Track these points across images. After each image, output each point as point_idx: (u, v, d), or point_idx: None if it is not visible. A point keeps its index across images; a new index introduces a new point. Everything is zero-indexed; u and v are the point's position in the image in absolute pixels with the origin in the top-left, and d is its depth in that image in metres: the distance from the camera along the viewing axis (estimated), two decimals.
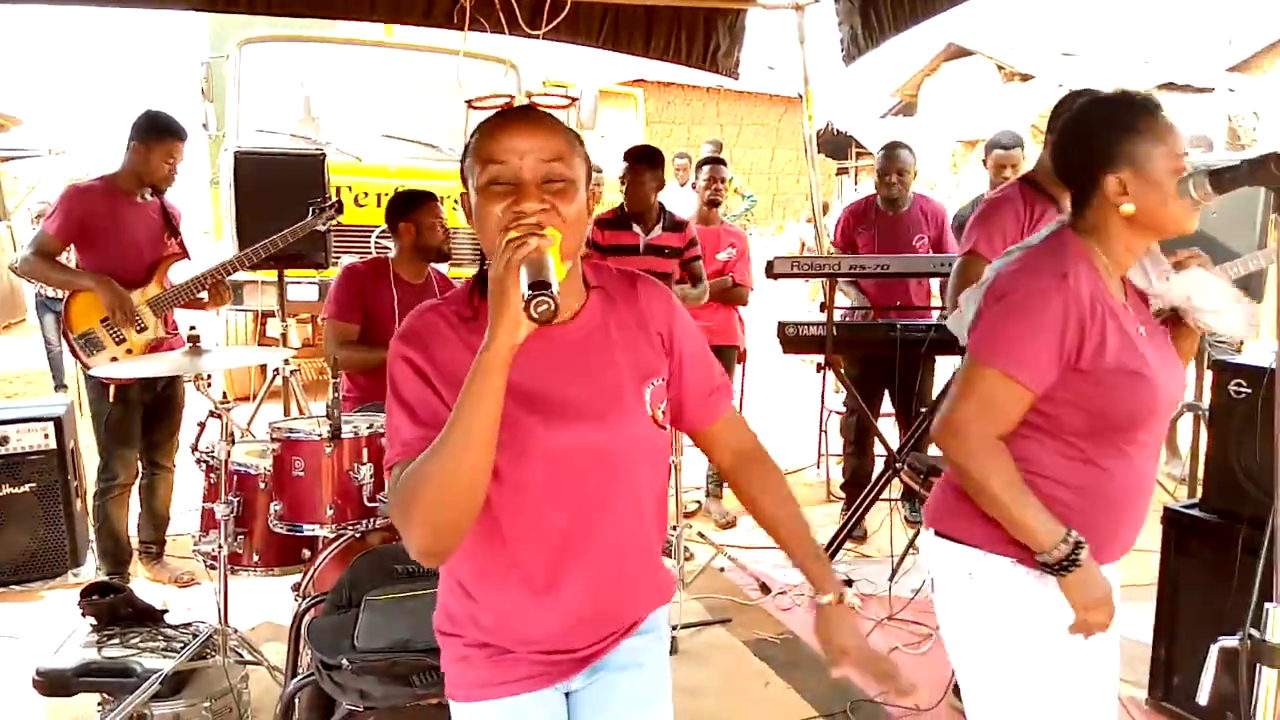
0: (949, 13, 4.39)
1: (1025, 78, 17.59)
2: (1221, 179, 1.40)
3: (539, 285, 1.10)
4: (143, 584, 3.92)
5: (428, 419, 1.25)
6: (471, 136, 1.32)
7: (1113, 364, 1.54)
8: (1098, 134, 1.59)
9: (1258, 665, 1.30)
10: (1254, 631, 1.31)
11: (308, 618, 2.26)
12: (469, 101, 1.49)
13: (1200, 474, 3.06)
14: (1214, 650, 1.38)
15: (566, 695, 1.45)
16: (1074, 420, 1.59)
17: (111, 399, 3.71)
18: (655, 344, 1.43)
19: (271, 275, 4.69)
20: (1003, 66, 18.52)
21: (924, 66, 20.20)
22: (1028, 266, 1.61)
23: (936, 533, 1.74)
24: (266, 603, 3.54)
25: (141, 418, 3.87)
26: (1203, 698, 1.36)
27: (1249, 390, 2.65)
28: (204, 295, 3.84)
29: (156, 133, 3.71)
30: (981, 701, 1.70)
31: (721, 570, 4.16)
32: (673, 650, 3.35)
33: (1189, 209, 1.54)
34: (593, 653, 1.41)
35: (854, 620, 1.44)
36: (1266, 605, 1.29)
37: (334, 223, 4.02)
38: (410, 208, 3.57)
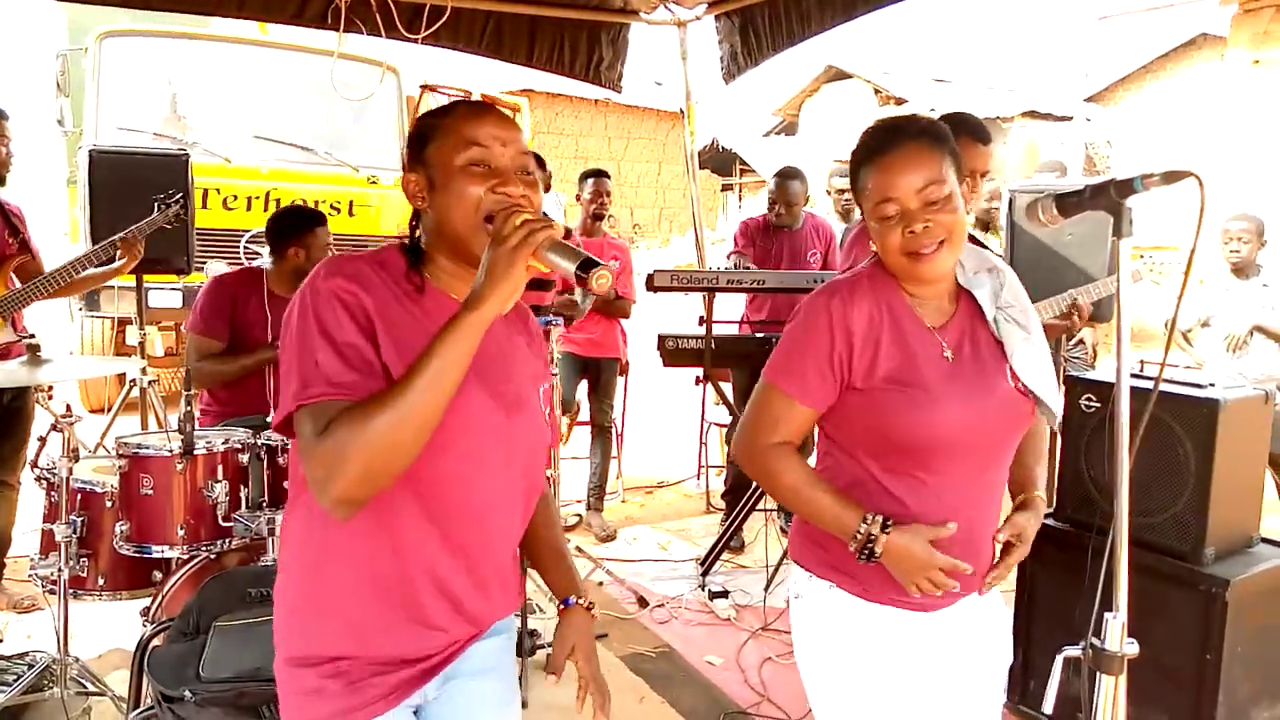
0: (828, 36, 4.60)
1: (900, 101, 18.29)
2: (1066, 203, 1.44)
3: (590, 262, 1.17)
4: None
5: (359, 365, 1.23)
6: (433, 116, 1.38)
7: (884, 379, 1.54)
8: (853, 171, 1.63)
9: (1098, 673, 1.34)
10: (1095, 640, 1.35)
11: (152, 645, 2.13)
12: (424, 85, 1.52)
13: (1057, 484, 3.20)
14: (1059, 659, 1.43)
15: (415, 712, 1.41)
16: (861, 438, 1.58)
17: None
18: (539, 360, 1.52)
19: (130, 280, 4.45)
20: (879, 90, 19.23)
21: (805, 87, 20.80)
22: (819, 291, 1.62)
23: (792, 555, 1.76)
24: (115, 628, 3.32)
25: None
26: (1048, 706, 1.40)
27: (1098, 405, 2.78)
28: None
29: None
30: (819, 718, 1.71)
31: (600, 584, 4.13)
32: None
33: (898, 247, 1.53)
34: (446, 657, 1.37)
35: (592, 628, 1.53)
36: (1105, 615, 1.34)
37: (179, 219, 3.76)
38: (301, 230, 3.37)
